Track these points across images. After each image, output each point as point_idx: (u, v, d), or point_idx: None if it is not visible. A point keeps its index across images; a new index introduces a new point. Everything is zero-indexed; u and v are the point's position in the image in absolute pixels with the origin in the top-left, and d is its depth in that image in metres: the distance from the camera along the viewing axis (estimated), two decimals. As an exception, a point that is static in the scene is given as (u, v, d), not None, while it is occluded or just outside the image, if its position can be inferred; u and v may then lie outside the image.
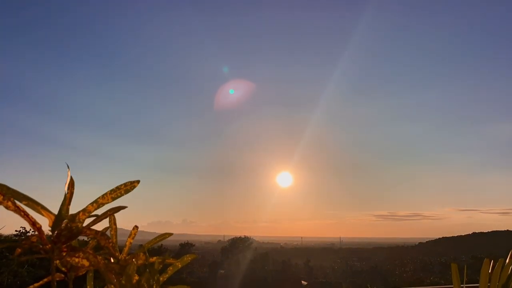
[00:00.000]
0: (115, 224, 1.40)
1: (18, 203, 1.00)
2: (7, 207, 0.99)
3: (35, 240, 1.06)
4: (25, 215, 1.01)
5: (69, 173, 1.11)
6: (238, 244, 49.49)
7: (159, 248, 28.25)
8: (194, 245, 50.21)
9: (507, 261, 1.60)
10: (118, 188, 1.12)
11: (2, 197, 0.98)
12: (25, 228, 18.87)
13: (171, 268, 1.57)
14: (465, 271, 2.15)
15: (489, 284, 1.55)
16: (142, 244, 1.67)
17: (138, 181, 1.14)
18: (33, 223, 1.02)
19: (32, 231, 1.09)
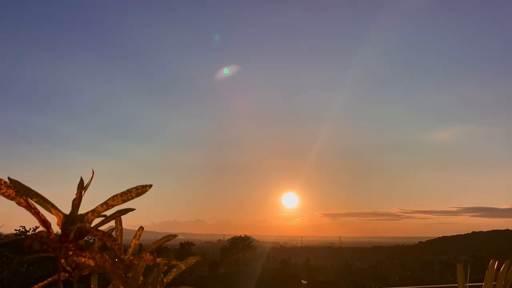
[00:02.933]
0: (121, 225, 1.41)
1: (29, 200, 1.01)
2: (19, 203, 0.99)
3: (44, 234, 1.07)
4: (36, 213, 1.02)
5: (92, 176, 1.12)
6: (238, 243, 49.53)
7: (159, 248, 28.24)
8: (194, 244, 50.20)
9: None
10: (129, 191, 1.12)
11: (15, 193, 0.98)
12: (24, 227, 18.91)
13: (175, 270, 1.58)
14: (468, 270, 2.15)
15: (494, 282, 1.55)
16: (141, 244, 1.67)
17: (150, 186, 1.14)
18: (43, 221, 1.02)
19: (32, 231, 1.09)
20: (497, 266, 1.62)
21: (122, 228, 1.41)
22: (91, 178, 1.12)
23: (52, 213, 1.05)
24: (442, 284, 5.14)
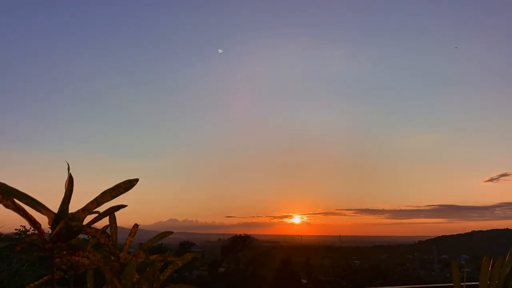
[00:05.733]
0: (115, 222, 1.41)
1: (17, 201, 1.00)
2: (6, 206, 0.98)
3: (35, 238, 1.07)
4: (25, 214, 1.01)
5: (68, 171, 1.11)
6: (238, 242, 49.56)
7: (159, 247, 28.33)
8: (194, 244, 50.30)
9: (507, 258, 1.61)
10: (117, 186, 1.11)
11: (1, 196, 0.97)
12: (25, 227, 18.92)
13: (171, 267, 1.58)
14: (465, 269, 2.15)
15: (488, 282, 1.55)
16: (142, 243, 1.68)
17: (136, 180, 1.13)
18: (33, 222, 1.02)
19: (33, 230, 1.09)
20: (492, 263, 1.62)
21: (116, 225, 1.41)
22: (68, 170, 1.11)
23: (43, 214, 1.04)
24: (442, 284, 5.16)
